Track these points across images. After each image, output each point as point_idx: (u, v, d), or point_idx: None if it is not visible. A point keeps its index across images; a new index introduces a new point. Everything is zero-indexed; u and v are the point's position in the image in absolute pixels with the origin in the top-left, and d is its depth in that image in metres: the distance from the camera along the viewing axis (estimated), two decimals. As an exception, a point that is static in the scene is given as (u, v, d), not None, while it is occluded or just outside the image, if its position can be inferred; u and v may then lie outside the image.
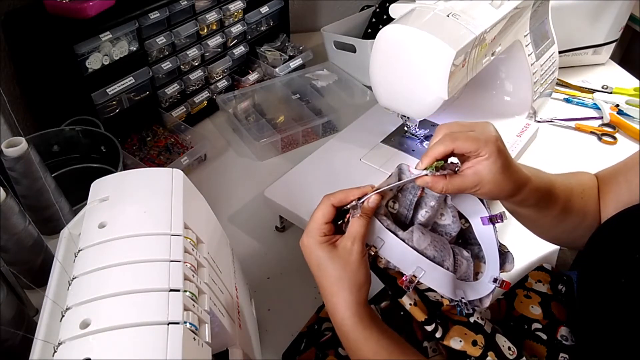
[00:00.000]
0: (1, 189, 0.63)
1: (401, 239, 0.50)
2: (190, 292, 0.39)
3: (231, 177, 0.96)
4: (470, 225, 0.55)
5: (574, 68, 1.21)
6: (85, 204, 0.46)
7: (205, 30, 1.04)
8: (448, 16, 0.69)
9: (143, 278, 0.38)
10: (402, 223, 0.54)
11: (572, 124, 1.04)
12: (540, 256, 0.75)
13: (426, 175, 0.49)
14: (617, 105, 1.07)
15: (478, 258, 0.55)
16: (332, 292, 0.49)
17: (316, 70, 1.19)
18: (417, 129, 0.87)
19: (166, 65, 0.97)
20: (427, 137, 0.89)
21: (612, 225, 0.54)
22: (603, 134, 1.02)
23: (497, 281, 0.52)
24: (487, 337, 0.52)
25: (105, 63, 0.87)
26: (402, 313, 0.57)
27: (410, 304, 0.51)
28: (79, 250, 0.41)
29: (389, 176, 0.52)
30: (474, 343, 0.52)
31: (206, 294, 0.42)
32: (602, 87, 1.14)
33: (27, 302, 0.69)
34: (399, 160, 0.83)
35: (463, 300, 0.51)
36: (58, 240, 0.47)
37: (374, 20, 1.27)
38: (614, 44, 1.19)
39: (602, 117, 1.05)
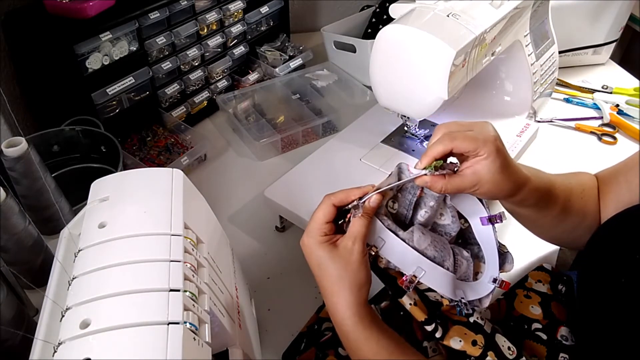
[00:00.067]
0: (1, 189, 0.63)
1: (402, 239, 0.50)
2: (190, 292, 0.39)
3: (231, 177, 0.96)
4: (469, 225, 0.55)
5: (574, 68, 1.21)
6: (85, 204, 0.47)
7: (205, 30, 1.04)
8: (448, 16, 0.69)
9: (143, 278, 0.38)
10: (402, 223, 0.54)
11: (572, 124, 1.04)
12: (540, 256, 0.75)
13: (425, 175, 0.49)
14: (617, 105, 1.07)
15: (478, 258, 0.55)
16: (333, 292, 0.49)
17: (316, 70, 1.19)
18: (417, 129, 0.87)
19: (166, 65, 0.97)
20: (427, 137, 0.88)
21: (612, 226, 0.54)
22: (603, 134, 1.02)
23: (497, 281, 0.52)
24: (487, 337, 0.52)
25: (105, 63, 0.87)
26: (402, 313, 0.57)
27: (410, 304, 0.51)
28: (79, 250, 0.41)
29: (389, 175, 0.52)
30: (474, 343, 0.52)
31: (206, 294, 0.42)
32: (602, 87, 1.14)
33: (27, 302, 0.69)
34: (399, 160, 0.81)
35: (463, 300, 0.51)
36: (58, 240, 0.47)
37: (374, 20, 1.27)
38: (614, 44, 1.19)
39: (602, 117, 1.05)
